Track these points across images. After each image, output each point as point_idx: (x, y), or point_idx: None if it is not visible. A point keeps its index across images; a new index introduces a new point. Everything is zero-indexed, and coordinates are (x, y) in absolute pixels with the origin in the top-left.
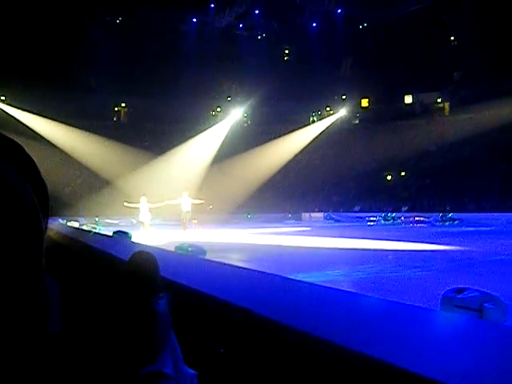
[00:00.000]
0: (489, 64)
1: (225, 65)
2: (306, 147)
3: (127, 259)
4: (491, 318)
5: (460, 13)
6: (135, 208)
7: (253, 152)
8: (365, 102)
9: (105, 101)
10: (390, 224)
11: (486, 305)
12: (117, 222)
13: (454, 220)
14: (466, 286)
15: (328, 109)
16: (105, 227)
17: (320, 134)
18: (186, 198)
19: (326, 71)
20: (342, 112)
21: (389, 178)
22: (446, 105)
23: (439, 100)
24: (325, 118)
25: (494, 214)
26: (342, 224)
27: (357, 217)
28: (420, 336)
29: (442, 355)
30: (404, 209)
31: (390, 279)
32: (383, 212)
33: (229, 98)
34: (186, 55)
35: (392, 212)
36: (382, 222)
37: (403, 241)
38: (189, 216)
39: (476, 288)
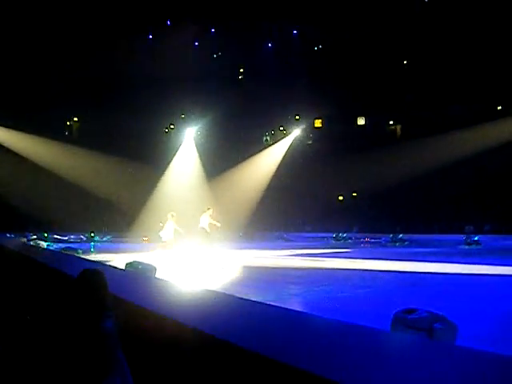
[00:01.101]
0: (440, 87)
1: (179, 82)
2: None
3: (76, 276)
4: (441, 338)
5: (413, 36)
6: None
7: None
8: (318, 123)
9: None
10: (342, 244)
11: (435, 325)
12: (66, 238)
13: (404, 241)
14: (416, 307)
15: (281, 128)
16: (54, 243)
17: (284, 155)
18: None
19: (280, 91)
20: (297, 132)
21: (340, 198)
22: (398, 127)
23: (391, 122)
24: (278, 137)
25: (443, 235)
26: (293, 243)
27: (308, 236)
28: (370, 356)
29: (392, 375)
30: (355, 229)
31: (340, 299)
32: (335, 232)
33: (182, 116)
34: (141, 72)
35: (344, 232)
36: (333, 242)
37: (354, 259)
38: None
39: (426, 309)
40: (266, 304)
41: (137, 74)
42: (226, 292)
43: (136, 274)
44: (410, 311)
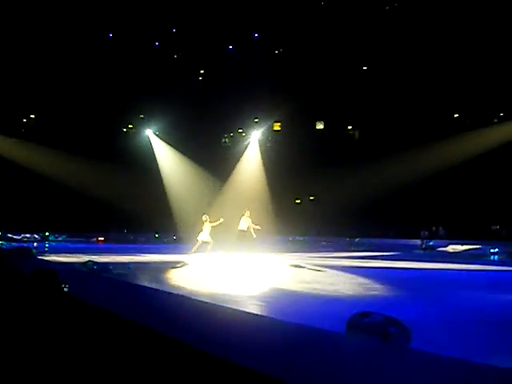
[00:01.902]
0: (400, 94)
1: (139, 82)
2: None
3: (27, 275)
4: (395, 342)
5: (374, 42)
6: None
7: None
8: (277, 126)
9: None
10: (302, 246)
11: (390, 329)
12: (19, 237)
13: (361, 245)
14: (371, 311)
15: (240, 131)
16: (7, 242)
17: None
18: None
19: (239, 93)
20: (256, 135)
21: (298, 201)
22: (357, 132)
23: (350, 127)
24: (237, 140)
25: (398, 240)
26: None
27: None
28: (325, 359)
29: (346, 377)
30: (312, 233)
31: (297, 302)
32: (291, 236)
33: (141, 116)
34: (101, 69)
35: (300, 236)
36: (291, 245)
37: (309, 263)
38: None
39: (380, 312)
40: (219, 305)
41: (97, 72)
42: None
43: (90, 273)
44: (365, 315)
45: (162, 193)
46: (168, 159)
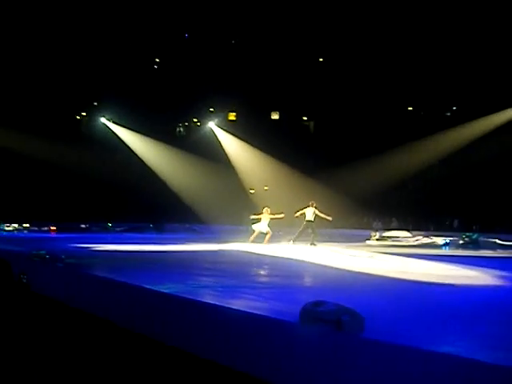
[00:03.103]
0: (355, 86)
1: (92, 68)
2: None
3: None
4: (348, 329)
5: (331, 34)
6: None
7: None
8: (232, 116)
9: None
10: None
11: (343, 317)
12: None
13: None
14: (324, 299)
15: (195, 120)
16: None
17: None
18: (309, 209)
19: (195, 82)
20: (211, 125)
21: (252, 191)
22: (311, 123)
23: (305, 118)
24: (192, 129)
25: (353, 230)
26: (205, 236)
27: (219, 229)
28: (279, 347)
29: (301, 366)
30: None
31: (249, 291)
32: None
33: (95, 104)
34: (56, 55)
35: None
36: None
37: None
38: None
39: (334, 301)
40: (175, 295)
41: (52, 59)
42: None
43: (42, 263)
44: (319, 304)
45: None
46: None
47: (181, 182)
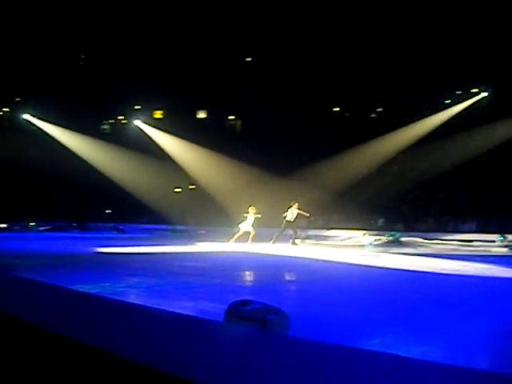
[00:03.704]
0: (282, 85)
1: (14, 63)
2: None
3: None
4: (274, 329)
5: (259, 33)
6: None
7: None
8: (158, 114)
9: None
10: (180, 236)
11: (269, 317)
12: None
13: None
14: (250, 299)
15: (121, 118)
16: None
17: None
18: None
19: (120, 80)
20: (137, 122)
21: (178, 190)
22: (238, 122)
23: (232, 117)
24: (118, 127)
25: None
26: (130, 235)
27: (143, 228)
28: (204, 347)
29: (226, 365)
30: (192, 222)
31: (173, 290)
32: (170, 225)
33: (18, 99)
34: None
35: (179, 225)
36: (170, 234)
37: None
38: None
39: (260, 300)
40: (98, 296)
41: None
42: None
43: None
44: (244, 303)
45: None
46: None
47: (111, 180)
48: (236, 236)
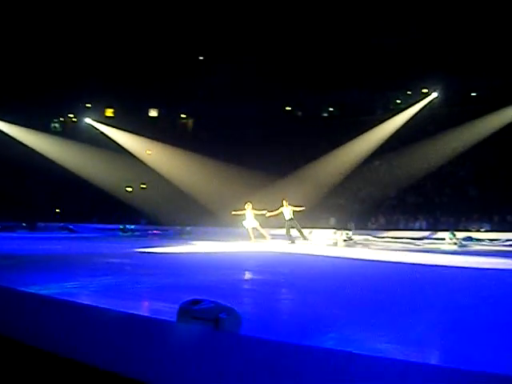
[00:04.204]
0: (234, 84)
1: None
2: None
3: None
4: (226, 328)
5: (210, 33)
6: (242, 215)
7: None
8: (109, 112)
9: None
10: (129, 236)
11: (221, 315)
12: None
13: (191, 233)
14: (203, 298)
15: (71, 116)
16: None
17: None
18: (285, 208)
19: (70, 77)
20: (88, 120)
21: (129, 189)
22: (190, 121)
23: (184, 116)
24: (69, 125)
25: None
26: (81, 235)
27: (95, 228)
28: (157, 347)
29: (179, 365)
30: (143, 222)
31: (126, 290)
32: (121, 224)
33: None
34: None
35: (131, 224)
36: (121, 234)
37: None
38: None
39: (212, 299)
40: (46, 296)
41: None
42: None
43: None
44: (196, 302)
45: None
46: None
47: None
48: (251, 235)
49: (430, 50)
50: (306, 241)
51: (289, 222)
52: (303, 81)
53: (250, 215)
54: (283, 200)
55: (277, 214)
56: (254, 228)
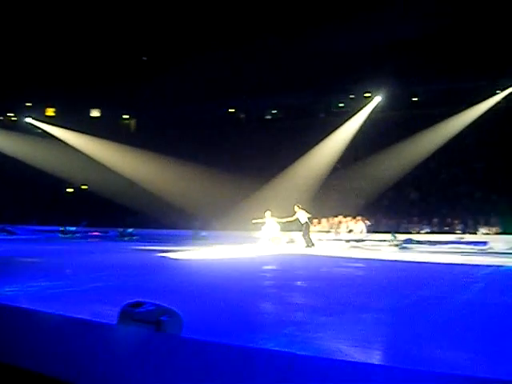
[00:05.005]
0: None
1: None
2: None
3: None
4: (168, 330)
5: (156, 33)
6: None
7: None
8: (50, 111)
9: None
10: (70, 238)
11: (162, 318)
12: None
13: (133, 235)
14: (144, 300)
15: (11, 114)
16: None
17: None
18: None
19: (8, 76)
20: (28, 119)
21: (70, 190)
22: (133, 121)
23: (126, 116)
24: (7, 124)
25: (172, 231)
26: (20, 237)
27: (34, 230)
28: (97, 351)
29: (121, 368)
30: (83, 223)
31: (69, 293)
32: (61, 226)
33: None
34: None
35: (71, 226)
36: (61, 235)
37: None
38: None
39: (154, 302)
40: None
41: None
42: None
43: None
44: (138, 305)
45: None
46: None
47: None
48: (275, 241)
49: (373, 55)
50: (308, 247)
51: (306, 225)
52: (246, 84)
53: (270, 223)
54: (295, 205)
55: (293, 221)
56: (275, 237)
